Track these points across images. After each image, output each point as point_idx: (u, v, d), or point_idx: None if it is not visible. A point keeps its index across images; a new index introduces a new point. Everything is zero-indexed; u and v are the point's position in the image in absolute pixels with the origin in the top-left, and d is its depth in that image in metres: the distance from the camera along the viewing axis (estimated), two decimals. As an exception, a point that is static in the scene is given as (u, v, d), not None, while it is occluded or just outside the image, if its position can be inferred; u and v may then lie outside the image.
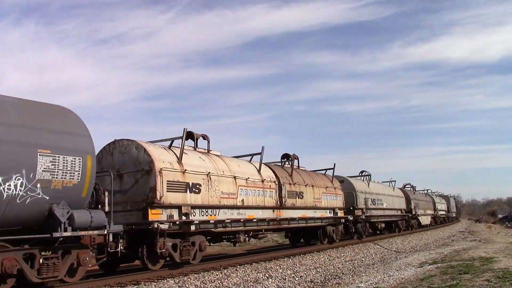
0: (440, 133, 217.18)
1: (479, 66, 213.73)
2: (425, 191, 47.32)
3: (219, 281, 11.16)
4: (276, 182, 17.38)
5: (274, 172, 17.77)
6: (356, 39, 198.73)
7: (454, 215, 65.06)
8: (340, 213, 22.38)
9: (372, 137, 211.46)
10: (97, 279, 11.21)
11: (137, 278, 11.23)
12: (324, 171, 23.43)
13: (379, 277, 11.89)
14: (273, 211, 16.85)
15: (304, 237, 22.38)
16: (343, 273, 13.36)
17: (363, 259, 16.98)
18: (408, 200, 35.17)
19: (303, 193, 18.99)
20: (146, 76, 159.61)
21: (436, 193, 53.95)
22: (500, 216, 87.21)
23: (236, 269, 13.08)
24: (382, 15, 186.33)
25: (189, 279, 11.26)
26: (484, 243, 23.67)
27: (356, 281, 11.54)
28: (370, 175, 30.09)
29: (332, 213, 21.51)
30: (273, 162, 20.12)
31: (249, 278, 11.73)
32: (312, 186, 20.01)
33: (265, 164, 18.09)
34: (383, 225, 30.61)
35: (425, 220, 40.11)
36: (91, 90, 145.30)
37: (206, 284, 10.84)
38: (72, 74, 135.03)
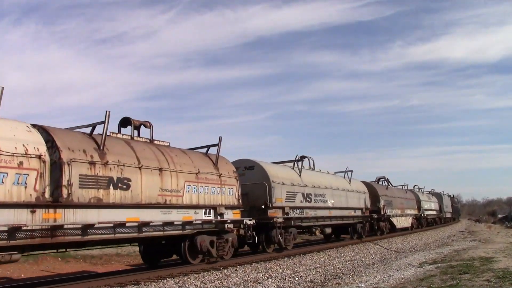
0: (440, 133, 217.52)
1: (480, 66, 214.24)
2: (405, 186, 38.53)
3: (219, 281, 11.16)
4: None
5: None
6: (357, 39, 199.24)
7: (449, 215, 56.51)
8: (233, 215, 14.66)
9: (372, 137, 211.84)
10: (97, 279, 11.21)
11: (137, 278, 11.23)
12: (206, 148, 14.99)
13: (379, 277, 11.89)
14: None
15: None
16: (343, 273, 13.36)
17: (363, 259, 16.98)
18: (375, 197, 27.93)
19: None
20: (146, 76, 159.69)
21: (422, 190, 45.45)
22: (500, 216, 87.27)
23: (236, 269, 13.07)
24: (383, 15, 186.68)
25: (189, 279, 11.26)
26: (484, 243, 23.67)
27: (356, 281, 11.54)
28: (312, 160, 22.05)
29: (209, 215, 13.63)
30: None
31: (249, 278, 11.72)
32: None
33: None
34: (328, 230, 21.87)
35: (403, 222, 32.98)
36: (91, 90, 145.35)
37: (206, 284, 10.84)
38: (72, 74, 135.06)
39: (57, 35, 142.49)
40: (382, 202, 28.38)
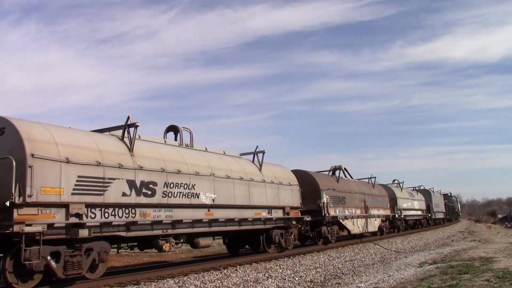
0: (441, 133, 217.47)
1: (480, 66, 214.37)
2: (370, 178, 30.65)
3: (219, 281, 11.15)
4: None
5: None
6: (357, 38, 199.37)
7: (440, 215, 48.03)
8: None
9: (372, 137, 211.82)
10: (97, 279, 11.20)
11: (137, 278, 11.23)
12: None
13: (379, 277, 11.88)
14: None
15: None
16: (343, 273, 13.36)
17: (363, 259, 16.98)
18: (315, 192, 20.88)
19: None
20: (147, 76, 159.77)
21: (401, 185, 37.40)
22: (500, 216, 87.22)
23: (236, 269, 13.08)
24: (383, 14, 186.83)
25: (189, 279, 11.26)
26: (484, 243, 23.66)
27: (356, 281, 11.54)
28: (190, 133, 15.13)
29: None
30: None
31: (249, 278, 11.72)
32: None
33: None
34: (207, 241, 13.99)
35: (364, 225, 26.00)
36: (91, 90, 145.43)
37: (206, 284, 10.84)
38: (73, 74, 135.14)
39: (58, 35, 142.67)
40: (324, 199, 21.18)
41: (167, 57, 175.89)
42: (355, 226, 24.59)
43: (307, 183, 20.75)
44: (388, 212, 30.65)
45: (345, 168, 26.26)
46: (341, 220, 22.75)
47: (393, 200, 32.37)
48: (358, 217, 25.07)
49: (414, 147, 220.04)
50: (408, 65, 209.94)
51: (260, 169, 16.85)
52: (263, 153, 17.12)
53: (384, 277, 11.82)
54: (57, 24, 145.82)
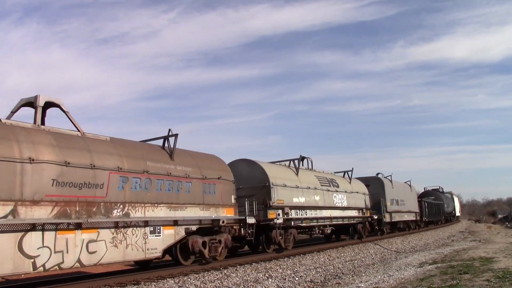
0: (441, 133, 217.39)
1: (481, 66, 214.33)
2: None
3: (219, 281, 11.16)
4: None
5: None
6: (358, 38, 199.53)
7: (409, 217, 34.07)
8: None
9: (373, 137, 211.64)
10: (97, 279, 11.21)
11: (137, 278, 11.23)
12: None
13: (379, 277, 11.88)
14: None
15: None
16: (343, 273, 13.36)
17: (363, 259, 16.98)
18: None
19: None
20: (148, 76, 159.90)
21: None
22: (500, 216, 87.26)
23: (236, 269, 13.08)
24: (385, 14, 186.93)
25: (189, 279, 11.26)
26: (484, 243, 23.66)
27: (356, 281, 11.53)
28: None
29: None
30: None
31: (249, 278, 11.73)
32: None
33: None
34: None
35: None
36: (92, 89, 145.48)
37: (206, 284, 10.84)
38: (74, 74, 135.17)
39: (59, 35, 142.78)
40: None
41: (168, 57, 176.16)
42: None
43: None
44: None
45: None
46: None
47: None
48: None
49: (415, 147, 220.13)
50: (409, 65, 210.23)
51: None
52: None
53: (384, 277, 11.81)
54: (58, 24, 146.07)
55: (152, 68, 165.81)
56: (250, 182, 17.14)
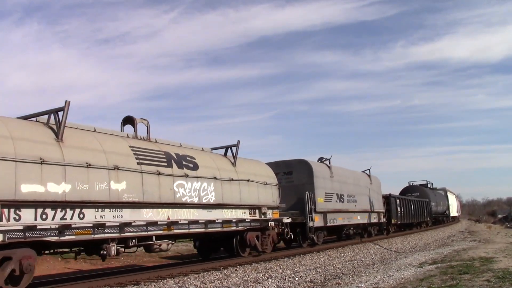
0: (442, 133, 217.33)
1: (482, 66, 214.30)
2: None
3: (219, 281, 11.16)
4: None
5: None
6: (359, 38, 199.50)
7: (361, 219, 24.68)
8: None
9: (373, 137, 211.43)
10: (97, 279, 11.22)
11: (137, 278, 11.23)
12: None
13: (379, 277, 11.88)
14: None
15: None
16: (343, 273, 13.36)
17: (363, 259, 16.98)
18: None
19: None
20: (149, 76, 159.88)
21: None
22: (500, 216, 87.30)
23: (236, 269, 13.08)
24: (385, 14, 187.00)
25: (189, 279, 11.26)
26: (484, 243, 23.66)
27: (356, 281, 11.54)
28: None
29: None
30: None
31: (249, 278, 11.73)
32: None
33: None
34: None
35: None
36: (93, 89, 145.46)
37: (206, 284, 10.84)
38: (75, 74, 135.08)
39: (60, 35, 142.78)
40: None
41: (169, 57, 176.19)
42: None
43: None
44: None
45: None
46: None
47: None
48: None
49: (415, 147, 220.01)
50: (409, 65, 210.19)
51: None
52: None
53: (384, 277, 11.81)
54: (59, 24, 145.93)
55: (152, 68, 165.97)
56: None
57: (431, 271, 12.21)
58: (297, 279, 12.05)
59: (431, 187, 47.47)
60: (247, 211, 15.57)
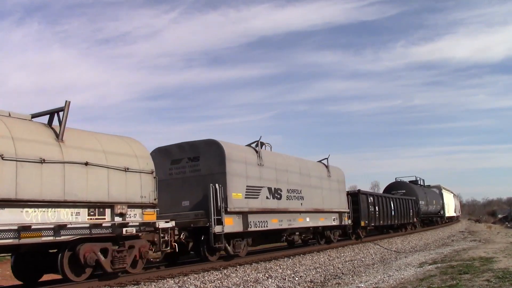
0: (442, 133, 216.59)
1: (482, 66, 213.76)
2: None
3: (219, 281, 11.15)
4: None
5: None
6: (359, 38, 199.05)
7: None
8: None
9: (373, 137, 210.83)
10: (97, 279, 11.19)
11: (137, 278, 11.21)
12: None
13: (379, 277, 11.89)
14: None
15: None
16: (343, 273, 13.36)
17: (363, 259, 16.98)
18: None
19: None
20: (149, 76, 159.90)
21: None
22: (500, 216, 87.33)
23: (236, 269, 13.07)
24: (386, 14, 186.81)
25: (189, 279, 11.26)
26: (484, 243, 23.67)
27: (356, 281, 11.54)
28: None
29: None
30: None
31: (249, 278, 11.72)
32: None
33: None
34: None
35: None
36: (93, 89, 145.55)
37: (206, 284, 10.83)
38: (75, 74, 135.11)
39: (60, 35, 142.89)
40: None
41: (169, 57, 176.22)
42: None
43: None
44: None
45: None
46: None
47: None
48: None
49: (415, 147, 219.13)
50: (410, 65, 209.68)
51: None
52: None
53: (384, 277, 11.82)
54: (59, 24, 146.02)
55: (152, 68, 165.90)
56: None
57: (431, 271, 12.21)
58: (297, 279, 12.05)
59: (421, 184, 41.68)
60: (82, 210, 10.09)
